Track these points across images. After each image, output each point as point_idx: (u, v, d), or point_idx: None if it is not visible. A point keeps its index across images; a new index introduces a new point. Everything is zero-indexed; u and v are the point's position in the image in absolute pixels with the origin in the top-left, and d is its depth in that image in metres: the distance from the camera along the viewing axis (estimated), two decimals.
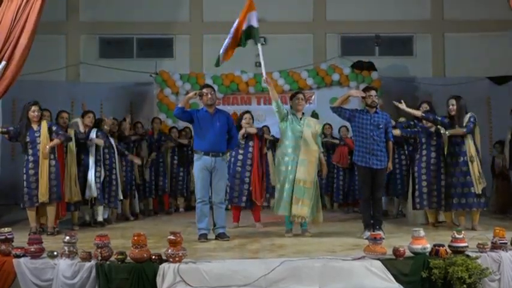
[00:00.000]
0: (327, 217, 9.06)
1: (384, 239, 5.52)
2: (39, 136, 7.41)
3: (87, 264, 5.28)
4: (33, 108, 7.45)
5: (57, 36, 13.22)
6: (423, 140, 7.91)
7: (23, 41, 7.41)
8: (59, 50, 13.31)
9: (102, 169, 8.41)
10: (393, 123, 8.26)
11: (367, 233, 6.38)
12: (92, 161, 8.23)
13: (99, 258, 5.28)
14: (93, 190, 8.16)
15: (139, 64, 13.01)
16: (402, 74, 13.20)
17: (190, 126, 7.65)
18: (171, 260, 5.19)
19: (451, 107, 7.48)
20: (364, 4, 13.17)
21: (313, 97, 12.64)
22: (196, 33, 13.54)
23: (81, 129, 8.32)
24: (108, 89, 12.73)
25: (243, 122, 8.10)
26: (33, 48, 7.63)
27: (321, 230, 7.42)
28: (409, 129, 8.19)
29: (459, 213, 7.53)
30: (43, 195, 7.28)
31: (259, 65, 12.89)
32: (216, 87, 11.28)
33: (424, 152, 7.86)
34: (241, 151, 8.04)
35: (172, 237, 5.26)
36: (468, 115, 7.44)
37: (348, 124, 7.91)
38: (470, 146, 7.33)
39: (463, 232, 5.58)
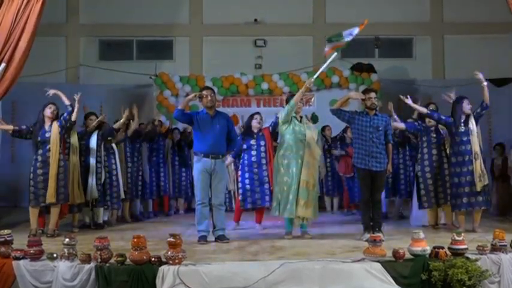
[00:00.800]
0: (326, 219, 9.12)
1: (383, 241, 5.52)
2: (50, 135, 7.45)
3: (87, 266, 5.27)
4: (50, 105, 7.57)
5: (57, 38, 13.23)
6: (424, 138, 7.92)
7: (23, 43, 7.42)
8: (59, 52, 13.31)
9: (102, 170, 8.41)
10: (396, 118, 8.26)
11: (367, 235, 6.38)
12: (93, 162, 8.22)
13: (99, 260, 5.28)
14: (94, 192, 8.16)
15: (139, 66, 13.02)
16: (402, 76, 13.21)
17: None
18: (170, 262, 5.19)
19: (468, 106, 7.46)
20: (364, 6, 13.17)
21: (312, 99, 12.64)
22: (196, 35, 13.55)
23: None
24: (107, 91, 12.73)
25: (254, 122, 8.09)
26: (33, 50, 7.65)
27: (320, 232, 7.42)
28: (411, 124, 8.15)
29: (459, 213, 7.53)
30: (51, 196, 7.30)
31: (259, 67, 13.13)
32: (215, 89, 11.28)
33: (426, 150, 7.86)
34: (253, 152, 8.02)
35: (172, 239, 5.26)
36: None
37: None
38: (475, 143, 7.34)
39: (462, 234, 5.58)
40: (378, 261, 5.30)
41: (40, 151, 7.42)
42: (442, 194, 7.77)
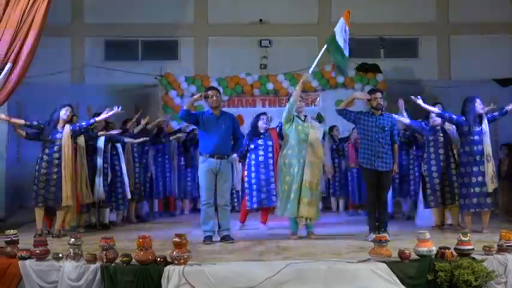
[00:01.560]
0: (332, 220, 9.11)
1: (389, 241, 5.51)
2: (61, 138, 7.47)
3: (93, 266, 5.29)
4: (66, 107, 7.62)
5: (62, 39, 13.22)
6: (430, 137, 7.88)
7: (29, 43, 7.43)
8: (64, 52, 13.31)
9: (109, 171, 8.42)
10: (405, 115, 8.24)
11: (373, 236, 6.37)
12: (100, 162, 8.24)
13: (105, 260, 5.29)
14: (101, 192, 8.18)
15: (144, 66, 13.03)
16: (407, 76, 13.17)
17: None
18: (176, 262, 5.19)
19: (481, 105, 7.45)
20: (369, 6, 13.14)
21: (318, 99, 12.63)
22: (201, 35, 13.55)
23: None
24: (113, 91, 12.72)
25: (261, 122, 8.08)
26: (38, 50, 7.65)
27: (326, 232, 7.41)
28: (417, 122, 8.10)
29: (467, 214, 7.50)
30: (68, 198, 7.32)
31: (264, 67, 13.12)
32: (221, 89, 11.27)
33: (432, 150, 7.83)
34: (261, 152, 8.02)
35: (177, 239, 5.26)
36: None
37: None
38: (487, 144, 7.31)
39: (469, 235, 5.56)
40: (383, 262, 5.29)
41: (46, 150, 7.44)
42: (449, 194, 7.74)
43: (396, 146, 7.09)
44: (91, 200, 8.03)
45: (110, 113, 7.76)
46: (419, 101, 7.47)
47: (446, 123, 7.78)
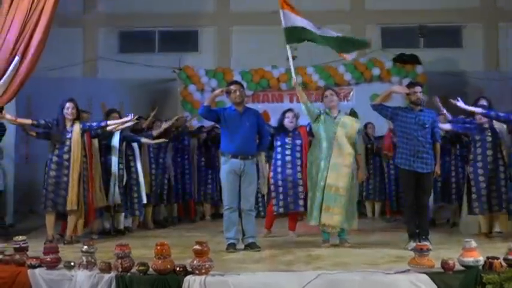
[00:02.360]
0: (367, 226, 9.05)
1: (431, 250, 5.43)
2: (70, 138, 7.53)
3: (107, 276, 5.31)
4: (67, 105, 7.62)
5: (74, 30, 13.36)
6: (476, 137, 7.73)
7: (38, 34, 7.50)
8: (76, 44, 13.45)
9: (124, 172, 8.47)
10: (446, 114, 8.13)
11: (413, 244, 6.29)
12: (114, 163, 8.29)
13: (120, 269, 5.31)
14: (116, 196, 8.23)
15: (161, 59, 13.10)
16: (450, 68, 13.02)
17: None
18: (196, 272, 5.19)
19: None
20: None
21: (351, 94, 12.57)
22: (223, 25, 13.58)
23: None
24: (128, 86, 12.83)
25: (286, 121, 8.05)
26: (48, 42, 7.72)
27: (361, 240, 7.36)
28: (460, 125, 8.00)
29: None
30: (72, 202, 7.39)
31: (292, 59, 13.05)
32: (244, 83, 11.26)
33: (479, 151, 7.69)
34: (287, 152, 8.00)
35: (198, 247, 5.26)
36: None
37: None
38: None
39: None
40: (424, 273, 5.22)
41: (56, 151, 7.51)
42: (496, 200, 7.59)
43: (438, 145, 6.99)
44: (105, 204, 8.10)
45: (125, 124, 7.83)
46: (460, 103, 7.32)
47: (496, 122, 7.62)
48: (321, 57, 12.57)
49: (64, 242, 7.43)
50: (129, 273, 5.31)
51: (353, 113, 11.95)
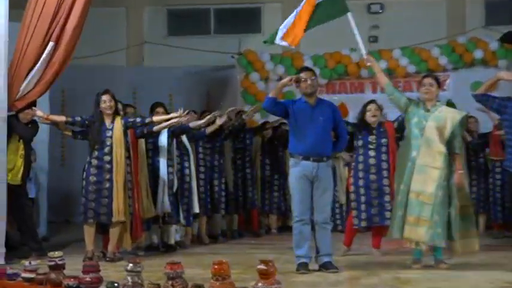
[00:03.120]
0: None
1: None
2: (111, 136, 7.64)
3: None
4: (103, 97, 7.72)
5: (116, 10, 13.63)
6: None
7: (74, 17, 7.65)
8: (118, 27, 13.69)
9: (175, 177, 8.57)
10: None
11: None
12: (163, 166, 8.41)
13: None
14: (166, 204, 8.34)
15: (218, 42, 13.21)
16: None
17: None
18: None
19: None
20: None
21: (447, 81, 12.39)
22: (290, 0, 13.56)
23: None
24: (178, 75, 12.98)
25: (368, 114, 8.00)
26: (85, 26, 7.87)
27: (462, 261, 7.22)
28: None
29: None
30: (119, 212, 7.54)
31: (374, 40, 12.97)
32: (317, 70, 11.25)
33: None
34: (371, 152, 7.93)
35: (262, 266, 5.27)
36: None
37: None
38: None
39: None
40: None
41: (95, 153, 7.65)
42: None
43: None
44: (153, 214, 8.20)
45: (173, 120, 7.87)
46: None
47: None
48: (410, 38, 12.44)
49: (106, 259, 7.58)
50: None
51: (450, 105, 11.80)
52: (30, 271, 5.89)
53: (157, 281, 5.55)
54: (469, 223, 6.98)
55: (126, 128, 7.74)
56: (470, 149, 10.28)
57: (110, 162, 7.59)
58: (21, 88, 7.64)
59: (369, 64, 7.25)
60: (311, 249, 6.92)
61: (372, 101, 8.22)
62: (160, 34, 13.78)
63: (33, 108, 7.80)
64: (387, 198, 7.79)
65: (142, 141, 8.31)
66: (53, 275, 5.86)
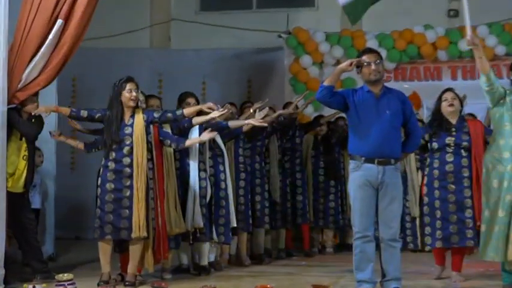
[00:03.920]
0: None
1: None
2: (131, 134, 7.58)
3: None
4: (127, 86, 7.60)
5: None
6: None
7: None
8: (140, 1, 13.76)
9: (208, 184, 8.57)
10: None
11: None
12: (193, 171, 8.42)
13: None
14: (197, 218, 8.32)
15: (261, 19, 13.24)
16: None
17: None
18: None
19: None
20: None
21: None
22: None
23: None
24: (213, 58, 13.01)
25: (444, 104, 7.91)
26: (101, 0, 7.92)
27: None
28: None
29: None
30: (140, 226, 7.50)
31: (454, 15, 12.87)
32: (383, 52, 11.21)
33: None
34: (449, 157, 7.85)
35: None
36: None
37: None
38: None
39: None
40: None
41: (113, 154, 7.59)
42: None
43: None
44: (183, 230, 8.19)
45: (212, 115, 7.79)
46: None
47: None
48: (501, 11, 12.31)
49: (125, 284, 7.60)
50: None
51: None
52: None
53: None
54: None
55: (149, 123, 7.69)
56: None
57: (131, 165, 7.53)
58: (24, 76, 7.66)
59: (471, 47, 7.12)
60: (375, 272, 6.90)
61: (449, 89, 8.13)
62: (191, 10, 13.85)
63: (36, 102, 7.84)
64: (469, 213, 7.71)
65: None
66: None
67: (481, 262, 7.45)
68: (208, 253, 8.69)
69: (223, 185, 8.79)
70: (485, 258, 6.92)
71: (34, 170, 8.26)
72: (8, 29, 7.55)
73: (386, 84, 7.20)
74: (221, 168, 8.84)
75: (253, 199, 9.55)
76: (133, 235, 7.45)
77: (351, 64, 6.89)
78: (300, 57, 12.60)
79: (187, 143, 7.95)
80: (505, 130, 6.91)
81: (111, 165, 7.57)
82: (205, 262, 8.61)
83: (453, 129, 7.86)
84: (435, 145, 7.90)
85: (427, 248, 8.00)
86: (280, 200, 10.03)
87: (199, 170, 8.44)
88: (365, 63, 6.90)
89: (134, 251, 7.64)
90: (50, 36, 7.65)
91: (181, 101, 8.57)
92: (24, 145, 7.92)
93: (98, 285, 6.94)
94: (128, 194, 7.51)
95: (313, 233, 10.75)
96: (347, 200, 10.26)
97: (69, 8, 7.66)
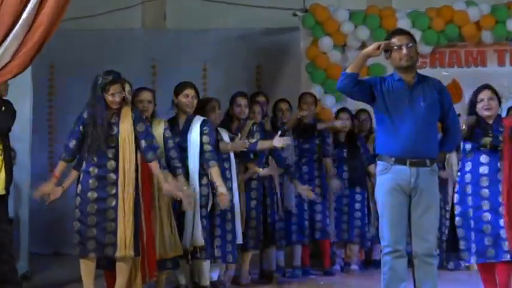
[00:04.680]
0: None
1: None
2: (116, 135, 7.58)
3: None
4: (112, 90, 7.50)
5: None
6: None
7: None
8: None
9: (210, 193, 8.57)
10: None
11: None
12: (193, 179, 8.43)
13: None
14: (197, 235, 8.34)
15: None
16: None
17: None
18: None
19: None
20: None
21: None
22: None
23: None
24: (216, 40, 13.05)
25: (480, 106, 7.91)
26: None
27: None
28: None
29: None
30: (126, 243, 7.47)
31: None
32: (417, 34, 11.22)
33: None
34: (484, 159, 7.85)
35: None
36: None
37: None
38: None
39: None
40: None
41: (95, 158, 7.61)
42: None
43: None
44: (179, 252, 8.17)
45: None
46: None
47: None
48: None
49: None
50: None
51: None
52: None
53: None
54: None
55: (137, 122, 7.66)
56: None
57: (116, 170, 7.55)
58: None
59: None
60: None
61: (486, 87, 8.06)
62: None
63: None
64: (503, 222, 7.72)
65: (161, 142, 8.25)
66: None
67: None
68: (209, 271, 8.73)
69: (229, 195, 8.74)
70: None
71: (13, 168, 8.31)
72: None
73: (420, 71, 7.22)
74: (227, 174, 8.90)
75: (264, 211, 9.57)
76: (118, 254, 7.44)
77: (378, 47, 6.92)
78: (319, 39, 12.59)
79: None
80: None
81: (94, 170, 7.57)
82: (206, 282, 8.66)
83: (488, 127, 7.86)
84: (469, 146, 7.91)
85: (464, 264, 8.03)
86: (297, 210, 10.09)
87: (201, 175, 8.48)
88: (395, 47, 6.93)
89: (122, 269, 7.63)
90: (24, 15, 7.63)
91: (178, 93, 8.64)
92: None
93: None
94: (113, 204, 7.50)
95: (333, 247, 10.78)
96: (373, 209, 10.24)
97: None
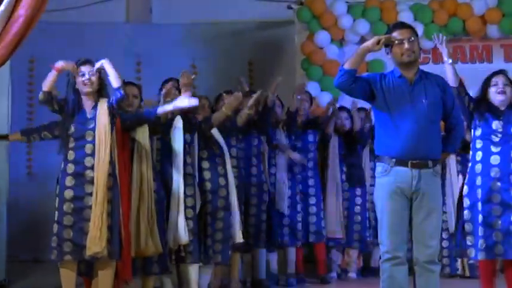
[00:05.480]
0: None
1: None
2: (94, 127, 7.58)
3: None
4: (82, 70, 7.62)
5: None
6: None
7: None
8: None
9: (197, 192, 8.63)
10: None
11: None
12: (177, 178, 8.47)
13: None
14: (181, 232, 8.37)
15: None
16: None
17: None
18: None
19: None
20: None
21: None
22: None
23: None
24: (206, 35, 13.05)
25: (493, 90, 7.93)
26: None
27: None
28: None
29: None
30: (95, 243, 7.45)
31: None
32: (420, 27, 11.24)
33: None
34: (495, 148, 7.82)
35: None
36: None
37: None
38: None
39: None
40: None
41: (72, 155, 7.62)
42: None
43: None
44: (159, 250, 8.10)
45: (177, 106, 7.90)
46: None
47: None
48: None
49: None
50: None
51: None
52: None
53: None
54: None
55: (113, 115, 7.64)
56: None
57: (94, 167, 7.53)
58: None
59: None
60: None
61: (500, 72, 8.13)
62: None
63: None
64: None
65: (147, 140, 8.28)
66: None
67: None
68: (197, 276, 8.68)
69: (223, 192, 8.86)
70: None
71: None
72: None
73: (422, 67, 7.22)
74: (220, 171, 8.92)
75: (250, 211, 9.62)
76: (87, 252, 7.35)
77: (378, 42, 6.90)
78: (315, 33, 12.61)
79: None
80: None
81: (71, 167, 7.56)
82: (193, 287, 8.63)
83: (501, 116, 7.88)
84: (479, 131, 7.92)
85: (471, 261, 8.04)
86: (290, 211, 10.08)
87: (186, 175, 8.49)
88: (396, 41, 6.92)
89: (104, 276, 7.62)
90: (1, 7, 7.68)
91: (163, 88, 8.68)
92: None
93: None
94: (90, 203, 7.45)
95: (331, 253, 10.78)
96: (373, 212, 10.22)
97: None
